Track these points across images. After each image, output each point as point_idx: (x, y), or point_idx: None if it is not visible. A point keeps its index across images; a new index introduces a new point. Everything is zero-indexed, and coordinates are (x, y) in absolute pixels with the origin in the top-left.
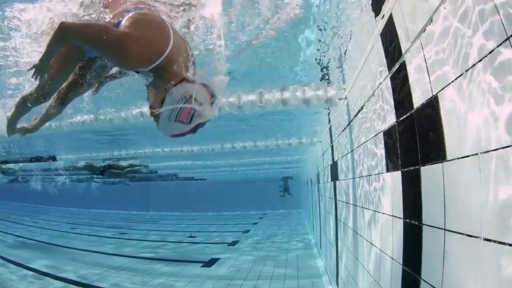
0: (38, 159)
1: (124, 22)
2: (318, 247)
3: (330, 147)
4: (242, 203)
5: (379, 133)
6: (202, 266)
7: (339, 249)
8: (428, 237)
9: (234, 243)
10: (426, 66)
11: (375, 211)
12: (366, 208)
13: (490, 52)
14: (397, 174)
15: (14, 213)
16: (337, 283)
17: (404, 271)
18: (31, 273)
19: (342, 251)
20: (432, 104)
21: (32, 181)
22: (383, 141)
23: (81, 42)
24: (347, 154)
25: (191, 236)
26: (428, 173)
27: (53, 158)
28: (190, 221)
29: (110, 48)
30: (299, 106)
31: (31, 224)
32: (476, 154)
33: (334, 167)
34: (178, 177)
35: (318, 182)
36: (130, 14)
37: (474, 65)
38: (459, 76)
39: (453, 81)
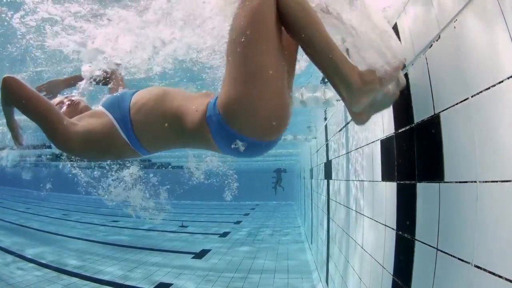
0: (34, 146)
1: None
2: (308, 242)
3: (325, 145)
4: (234, 193)
5: (376, 140)
6: (193, 257)
7: (330, 247)
8: (420, 252)
9: (225, 234)
10: (430, 82)
11: (368, 217)
12: (359, 213)
13: (500, 83)
14: (393, 185)
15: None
16: (326, 281)
17: (394, 282)
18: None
19: (333, 250)
20: (433, 122)
21: (30, 167)
22: (380, 149)
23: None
24: (342, 155)
25: (182, 226)
26: (424, 190)
27: (48, 146)
28: (181, 210)
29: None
30: (296, 107)
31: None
32: (475, 181)
33: (328, 165)
34: (171, 165)
35: (312, 178)
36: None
37: (480, 92)
38: (464, 100)
39: (457, 104)
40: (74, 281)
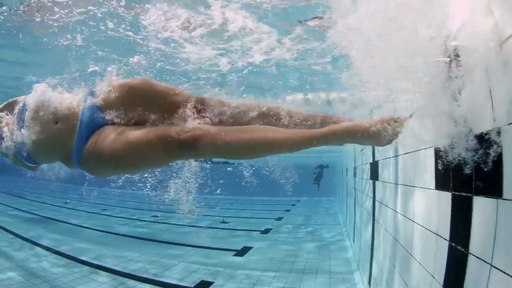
0: None
1: None
2: (350, 240)
3: None
4: (275, 188)
5: (430, 147)
6: (234, 255)
7: (375, 249)
8: (473, 267)
9: (266, 231)
10: (491, 93)
11: (418, 224)
12: (408, 218)
13: None
14: (447, 195)
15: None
16: (369, 283)
17: None
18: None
19: (377, 253)
20: (493, 134)
21: None
22: (434, 157)
23: None
24: (390, 157)
25: (223, 222)
26: (481, 204)
27: None
28: (222, 206)
29: None
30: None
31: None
32: None
33: (374, 166)
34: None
35: (355, 176)
36: None
37: None
38: None
39: None
40: (113, 278)
